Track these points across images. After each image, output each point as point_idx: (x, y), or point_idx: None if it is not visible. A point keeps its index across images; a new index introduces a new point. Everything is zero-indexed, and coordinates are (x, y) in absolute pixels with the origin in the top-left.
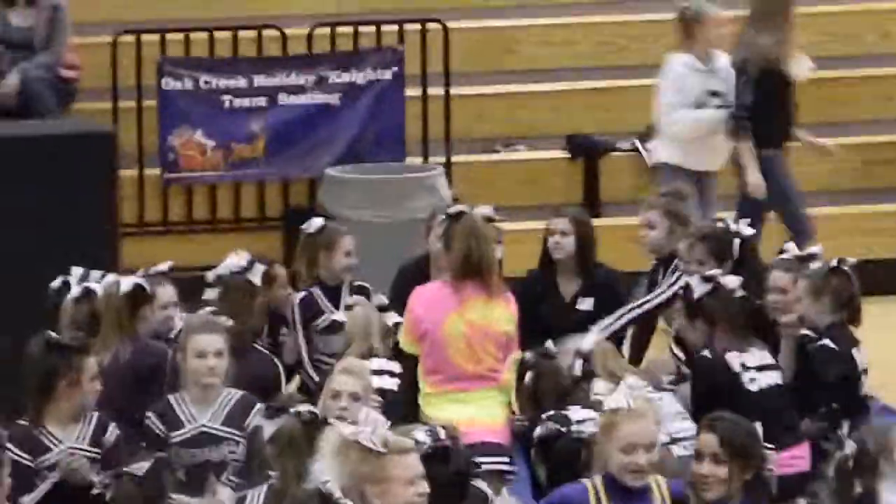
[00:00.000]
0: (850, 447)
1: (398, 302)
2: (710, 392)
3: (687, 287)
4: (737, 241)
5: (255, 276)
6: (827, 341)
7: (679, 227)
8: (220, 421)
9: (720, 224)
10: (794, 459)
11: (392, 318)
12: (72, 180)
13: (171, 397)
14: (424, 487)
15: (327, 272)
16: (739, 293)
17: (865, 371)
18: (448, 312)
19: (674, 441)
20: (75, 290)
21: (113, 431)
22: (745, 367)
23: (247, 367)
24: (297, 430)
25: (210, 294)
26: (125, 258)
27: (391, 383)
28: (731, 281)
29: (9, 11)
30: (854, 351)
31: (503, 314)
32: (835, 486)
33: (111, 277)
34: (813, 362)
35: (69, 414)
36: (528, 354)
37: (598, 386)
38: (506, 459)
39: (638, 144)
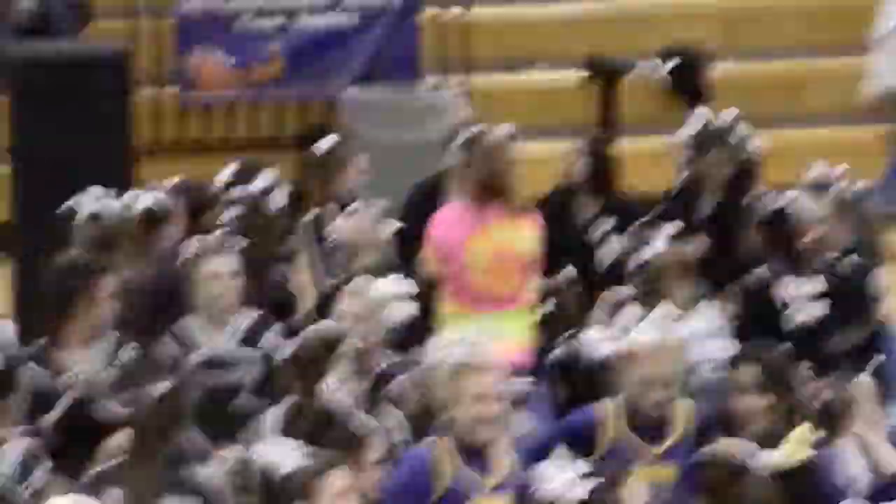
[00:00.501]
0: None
1: (412, 218)
2: (756, 313)
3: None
4: None
5: (277, 200)
6: (850, 261)
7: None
8: (235, 342)
9: None
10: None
11: (392, 225)
12: (89, 101)
13: (187, 319)
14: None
15: (341, 191)
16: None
17: (881, 297)
18: (472, 234)
19: (705, 362)
20: (87, 211)
21: (131, 352)
22: (793, 296)
23: (265, 288)
24: (317, 348)
25: (228, 213)
26: (142, 179)
27: (408, 309)
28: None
29: None
30: (873, 273)
31: (527, 235)
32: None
33: (129, 195)
34: (848, 280)
35: (87, 334)
36: (551, 281)
37: (629, 314)
38: (528, 380)
39: (655, 65)
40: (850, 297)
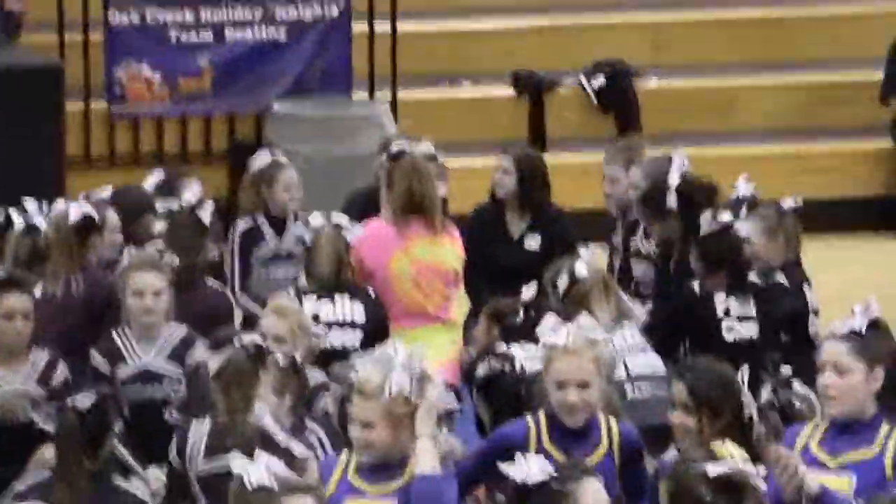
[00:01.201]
0: (794, 390)
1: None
2: (688, 327)
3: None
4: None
5: (205, 213)
6: (780, 278)
7: None
8: (163, 357)
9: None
10: None
11: (353, 233)
12: (18, 113)
13: (114, 333)
14: None
15: (271, 204)
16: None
17: (816, 312)
18: (393, 251)
19: (631, 379)
20: (19, 224)
21: (62, 371)
22: (728, 314)
23: (197, 301)
24: (243, 362)
25: (158, 227)
26: (71, 191)
27: (351, 340)
28: (743, 228)
29: None
30: (805, 288)
31: (449, 251)
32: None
33: (60, 206)
34: (765, 298)
35: (8, 352)
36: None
37: (547, 322)
38: (452, 398)
39: (583, 81)
40: (783, 315)
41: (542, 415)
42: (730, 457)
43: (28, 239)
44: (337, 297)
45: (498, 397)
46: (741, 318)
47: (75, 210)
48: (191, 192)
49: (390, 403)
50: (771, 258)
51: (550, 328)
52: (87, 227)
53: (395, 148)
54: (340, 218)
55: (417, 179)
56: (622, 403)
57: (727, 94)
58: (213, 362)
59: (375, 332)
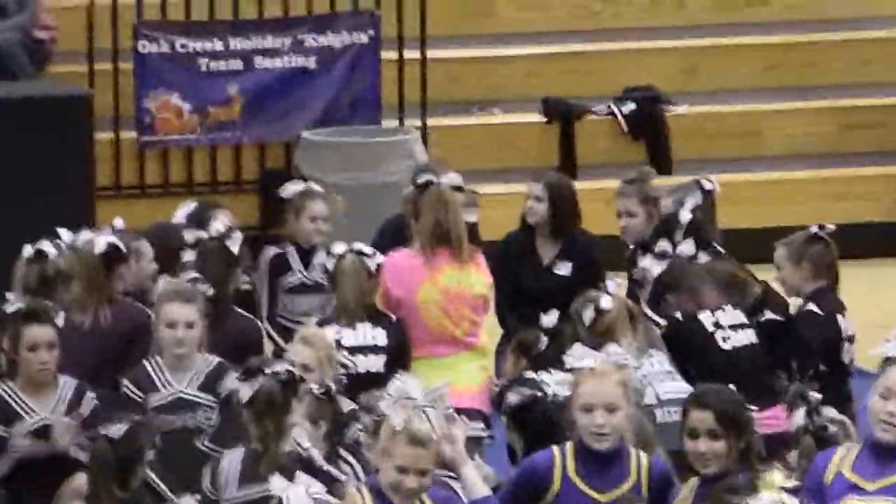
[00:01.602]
0: (826, 415)
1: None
2: (685, 353)
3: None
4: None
5: (234, 243)
6: (811, 306)
7: (655, 209)
8: (196, 387)
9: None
10: (770, 420)
11: (376, 261)
12: (48, 143)
13: (146, 363)
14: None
15: (299, 234)
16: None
17: (851, 338)
18: (420, 281)
19: (661, 404)
20: (27, 252)
21: (91, 401)
22: (719, 326)
23: (228, 332)
24: (275, 391)
25: (188, 257)
26: (101, 222)
27: (375, 364)
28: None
29: None
30: (839, 316)
31: (477, 278)
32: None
33: (85, 236)
34: (796, 327)
35: (34, 383)
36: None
37: (575, 350)
38: (481, 426)
39: (613, 108)
40: (816, 344)
41: (568, 445)
42: (778, 485)
43: (36, 266)
44: (358, 324)
45: (530, 424)
46: (734, 327)
47: (101, 240)
48: (220, 222)
49: (438, 447)
50: (798, 285)
51: (578, 356)
52: (114, 257)
53: (421, 179)
54: (362, 246)
55: (444, 210)
56: (653, 429)
57: (756, 120)
58: (245, 391)
59: (398, 355)
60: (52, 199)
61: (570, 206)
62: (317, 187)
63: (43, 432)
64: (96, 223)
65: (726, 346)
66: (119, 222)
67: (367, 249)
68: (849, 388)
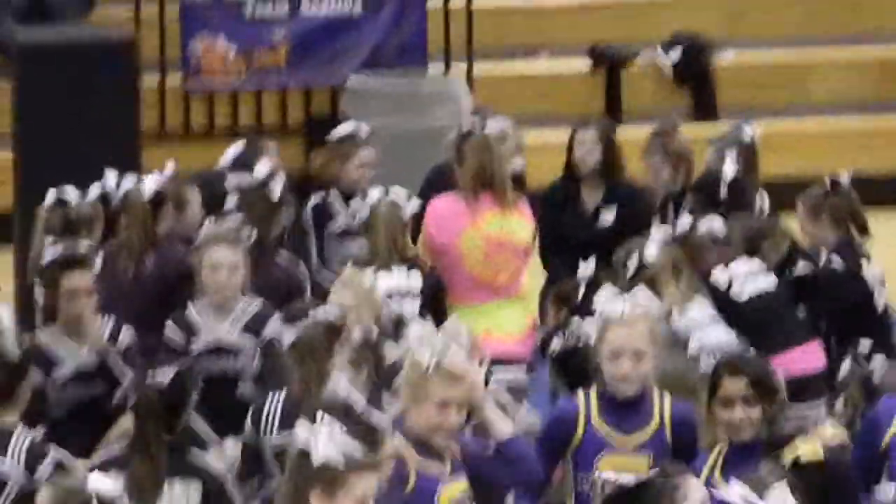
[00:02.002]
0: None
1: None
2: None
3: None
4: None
5: (276, 186)
6: (834, 262)
7: (681, 161)
8: (237, 331)
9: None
10: (805, 355)
11: (410, 207)
12: (93, 88)
13: (190, 306)
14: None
15: (344, 179)
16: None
17: (882, 283)
18: (463, 227)
19: (705, 351)
20: (49, 198)
21: (126, 338)
22: (732, 280)
23: (271, 275)
24: (317, 335)
25: (230, 202)
26: (146, 166)
27: (410, 308)
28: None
29: None
30: (863, 266)
31: (519, 224)
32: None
33: (131, 181)
34: (821, 286)
35: (74, 328)
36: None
37: (603, 293)
38: (523, 372)
39: (660, 54)
40: (849, 304)
41: (592, 391)
42: (828, 438)
43: (59, 211)
44: (394, 268)
45: (573, 371)
46: (748, 276)
47: (148, 185)
48: (263, 164)
49: (469, 382)
50: (821, 239)
51: (607, 299)
52: (160, 202)
53: (465, 126)
54: (397, 193)
55: (489, 156)
56: (698, 376)
57: (801, 68)
58: (288, 335)
59: (432, 301)
60: (98, 143)
61: (619, 154)
62: (365, 132)
63: (84, 377)
64: (141, 168)
65: (742, 299)
66: (170, 167)
67: (401, 196)
68: (891, 335)
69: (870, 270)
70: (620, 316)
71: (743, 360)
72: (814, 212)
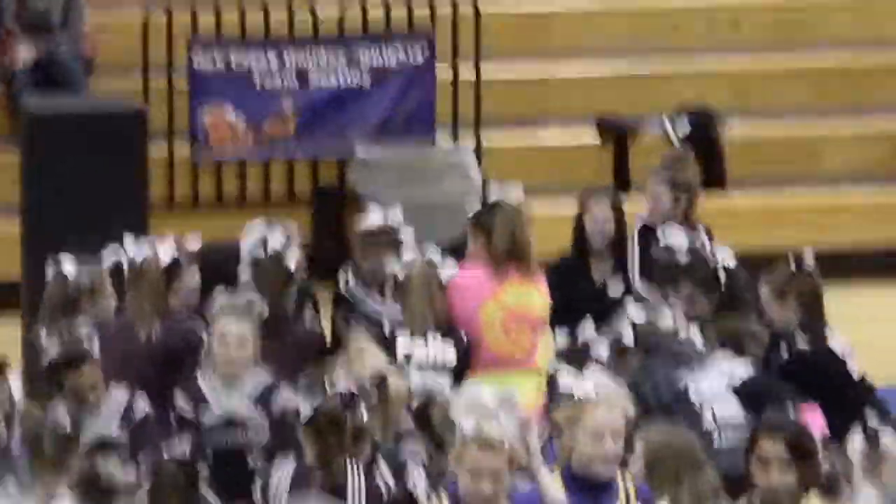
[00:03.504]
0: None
1: None
2: None
3: None
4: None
5: (291, 260)
6: (799, 343)
7: (683, 194)
8: (248, 403)
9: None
10: (812, 419)
11: (447, 269)
12: (102, 157)
13: (199, 377)
14: None
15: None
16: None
17: (850, 354)
18: (485, 299)
19: (718, 427)
20: (49, 272)
21: (142, 407)
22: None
23: (287, 345)
24: (337, 411)
25: (244, 274)
26: (155, 235)
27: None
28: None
29: None
30: (830, 341)
31: (537, 298)
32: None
33: (147, 248)
34: (793, 368)
35: (86, 409)
36: (560, 346)
37: (564, 377)
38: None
39: (668, 126)
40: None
41: (556, 473)
42: None
43: (60, 286)
44: (429, 338)
45: None
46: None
47: (165, 252)
48: (277, 238)
49: (512, 452)
50: (786, 321)
51: (572, 381)
52: (175, 270)
53: (493, 194)
54: (433, 253)
55: (518, 227)
56: (710, 452)
57: (810, 141)
58: (305, 408)
59: (462, 374)
60: (106, 213)
61: (626, 227)
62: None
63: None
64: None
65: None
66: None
67: (438, 258)
68: (879, 402)
69: (836, 342)
70: (599, 397)
71: (780, 420)
72: (780, 294)
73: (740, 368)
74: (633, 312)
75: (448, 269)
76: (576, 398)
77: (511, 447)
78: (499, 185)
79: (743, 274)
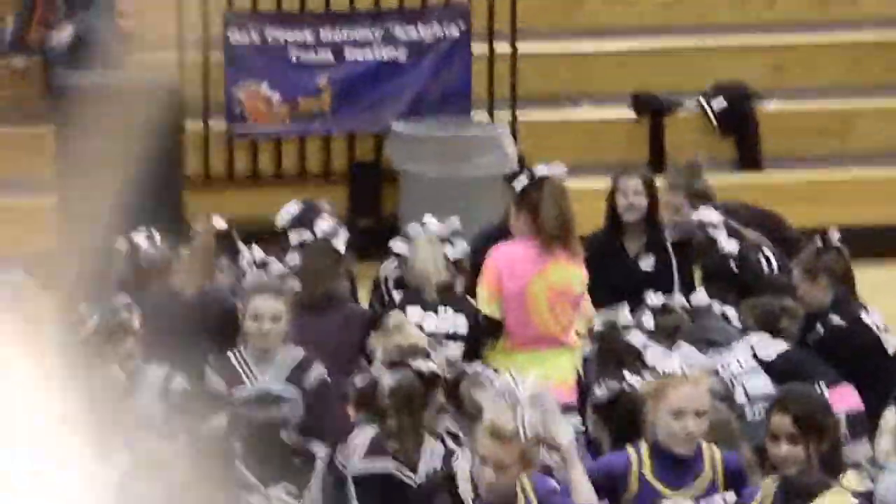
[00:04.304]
0: None
1: (480, 258)
2: None
3: None
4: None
5: (340, 242)
6: (834, 320)
7: (703, 201)
8: (280, 379)
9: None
10: (843, 397)
11: (453, 250)
12: (137, 132)
13: (231, 354)
14: None
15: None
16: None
17: (886, 329)
18: (532, 274)
19: (750, 401)
20: (121, 245)
21: (181, 382)
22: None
23: (330, 323)
24: (416, 387)
25: (292, 257)
26: (190, 210)
27: (455, 351)
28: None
29: None
30: (863, 316)
31: (578, 276)
32: None
33: (202, 219)
34: (829, 345)
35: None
36: (598, 323)
37: (652, 353)
38: (578, 419)
39: (703, 104)
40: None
41: (643, 445)
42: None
43: (131, 258)
44: (440, 308)
45: (616, 419)
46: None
47: (219, 221)
48: (325, 221)
49: (526, 446)
50: (819, 300)
51: (659, 356)
52: (225, 243)
53: (539, 173)
54: (442, 230)
55: (566, 203)
56: (742, 426)
57: (846, 117)
58: (387, 380)
59: (475, 344)
60: (142, 188)
61: (657, 202)
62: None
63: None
64: (185, 213)
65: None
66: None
67: (447, 234)
68: None
69: (870, 317)
70: (685, 375)
71: (794, 395)
72: (811, 273)
73: (773, 345)
74: (651, 298)
75: (458, 249)
76: (661, 374)
77: (527, 442)
78: (529, 161)
79: (754, 256)
